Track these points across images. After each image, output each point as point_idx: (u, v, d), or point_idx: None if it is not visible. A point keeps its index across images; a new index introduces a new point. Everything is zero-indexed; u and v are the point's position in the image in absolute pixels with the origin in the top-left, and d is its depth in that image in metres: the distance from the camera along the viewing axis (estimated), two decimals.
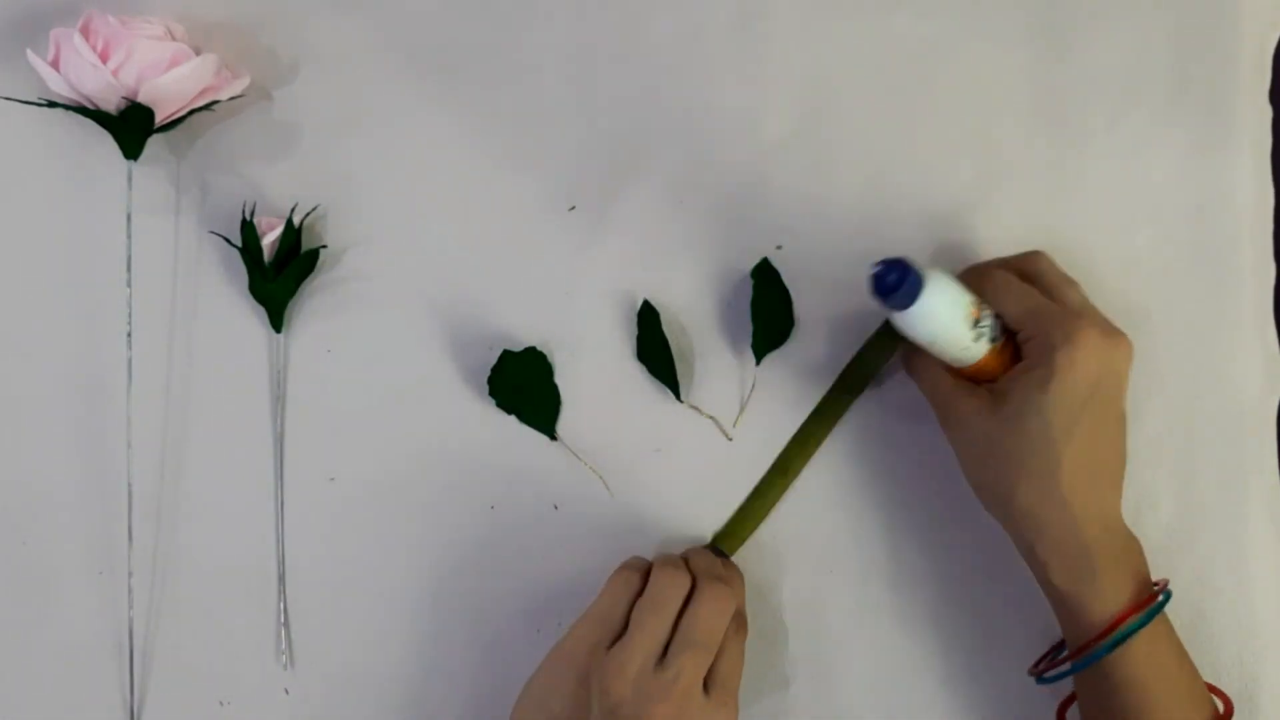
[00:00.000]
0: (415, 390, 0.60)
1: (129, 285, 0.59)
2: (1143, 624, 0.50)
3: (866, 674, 0.59)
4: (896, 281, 0.49)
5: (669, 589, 0.53)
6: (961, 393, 0.54)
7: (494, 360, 0.59)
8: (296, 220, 0.59)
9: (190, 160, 0.61)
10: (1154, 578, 0.53)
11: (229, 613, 0.60)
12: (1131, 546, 0.53)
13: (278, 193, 0.61)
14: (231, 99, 0.59)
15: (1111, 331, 0.52)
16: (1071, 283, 0.54)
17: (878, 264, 0.50)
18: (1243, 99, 0.61)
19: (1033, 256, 0.55)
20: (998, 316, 0.53)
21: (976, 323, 0.52)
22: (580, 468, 0.59)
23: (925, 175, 0.61)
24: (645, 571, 0.55)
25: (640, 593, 0.54)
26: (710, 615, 0.52)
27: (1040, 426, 0.50)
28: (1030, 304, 0.52)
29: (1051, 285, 0.54)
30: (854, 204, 0.61)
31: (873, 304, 0.51)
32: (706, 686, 0.52)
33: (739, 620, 0.55)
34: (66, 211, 0.61)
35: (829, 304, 0.60)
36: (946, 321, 0.51)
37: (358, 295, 0.61)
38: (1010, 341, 0.54)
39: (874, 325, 0.60)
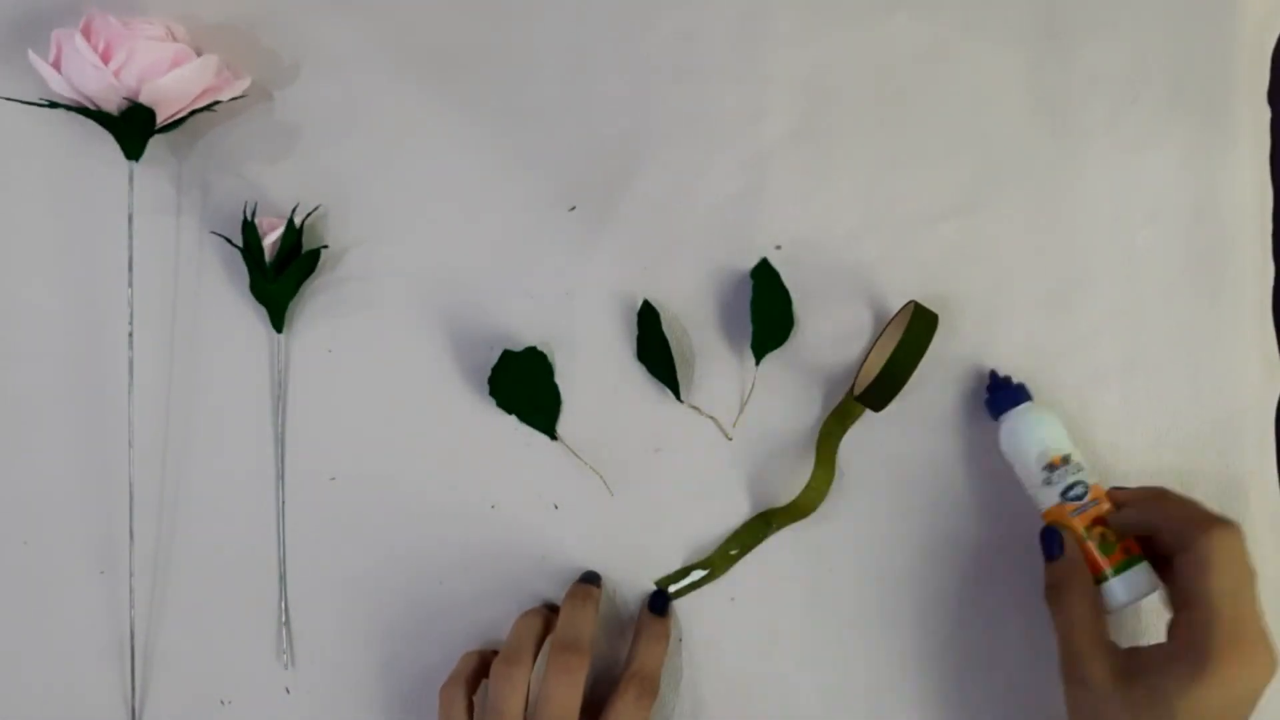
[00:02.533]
0: (415, 390, 0.60)
1: (130, 285, 0.59)
2: None
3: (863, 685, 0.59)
4: (996, 386, 0.58)
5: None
6: (1098, 650, 0.51)
7: (494, 360, 0.59)
8: (297, 220, 0.60)
9: (191, 161, 0.62)
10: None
11: (230, 612, 0.60)
12: None
13: (279, 193, 0.61)
14: (233, 100, 0.60)
15: (1268, 646, 0.48)
16: (1253, 573, 0.50)
17: (994, 372, 0.59)
18: (1242, 99, 0.61)
19: (1215, 528, 0.50)
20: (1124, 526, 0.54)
21: (1052, 468, 0.55)
22: (580, 468, 0.60)
23: (925, 175, 0.61)
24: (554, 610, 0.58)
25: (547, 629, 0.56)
26: (557, 690, 0.52)
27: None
28: (1224, 585, 0.48)
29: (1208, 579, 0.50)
30: (854, 204, 0.61)
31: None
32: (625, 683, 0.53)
33: (642, 685, 0.54)
34: (68, 212, 0.61)
35: (829, 304, 0.60)
36: (1022, 447, 0.56)
37: (358, 295, 0.61)
38: (1124, 547, 0.54)
39: (875, 325, 0.60)
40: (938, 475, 0.59)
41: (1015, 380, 0.58)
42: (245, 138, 0.62)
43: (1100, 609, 0.53)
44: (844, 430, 0.59)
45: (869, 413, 0.59)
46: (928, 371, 0.58)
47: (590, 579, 0.58)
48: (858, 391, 0.57)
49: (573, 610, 0.55)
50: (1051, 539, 0.54)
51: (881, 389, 0.55)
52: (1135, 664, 0.50)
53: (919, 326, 0.55)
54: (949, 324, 0.59)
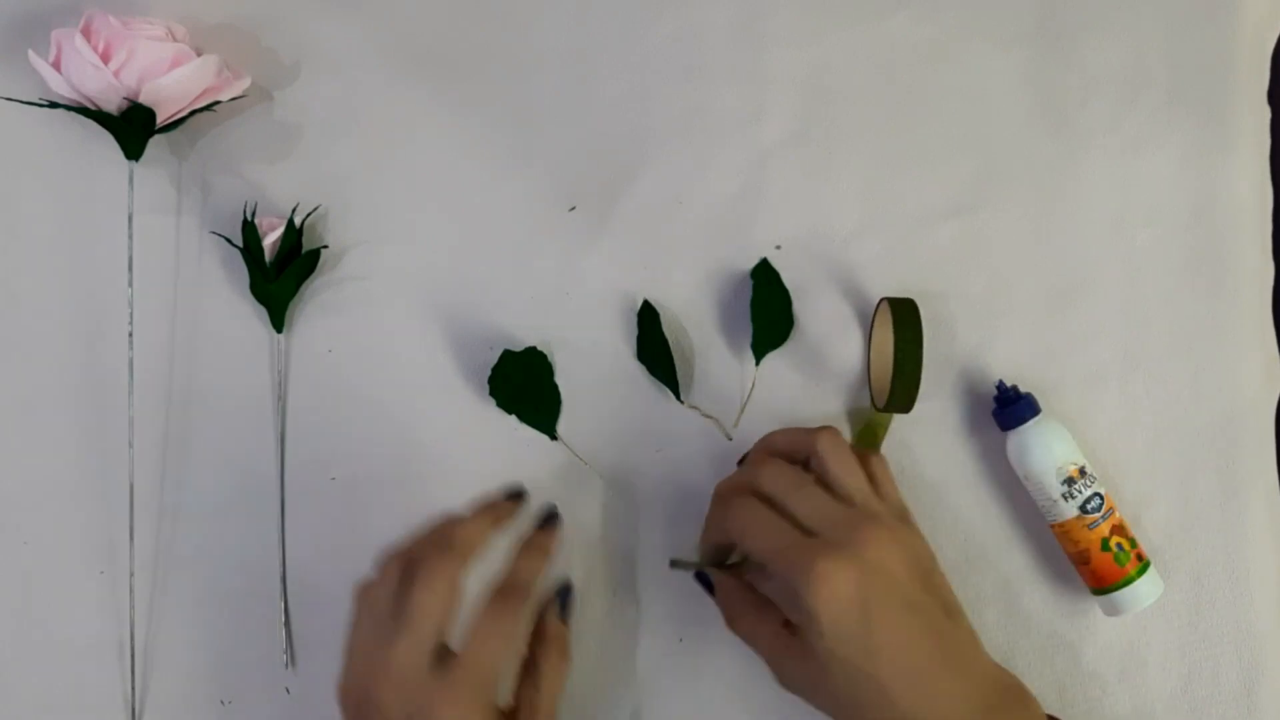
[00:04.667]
0: (415, 390, 0.60)
1: (130, 285, 0.59)
2: None
3: None
4: (1008, 399, 0.57)
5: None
6: (782, 648, 0.50)
7: (494, 360, 0.59)
8: (297, 221, 0.60)
9: (191, 161, 0.62)
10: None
11: (230, 612, 0.60)
12: (1008, 700, 0.48)
13: (279, 193, 0.61)
14: (233, 100, 0.60)
15: (849, 541, 0.47)
16: (851, 471, 0.51)
17: (1002, 383, 0.57)
18: (1241, 99, 0.61)
19: (818, 435, 0.51)
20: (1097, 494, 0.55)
21: (1071, 482, 0.55)
22: (580, 468, 0.60)
23: (925, 175, 0.61)
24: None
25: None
26: (491, 632, 0.49)
27: (843, 668, 0.46)
28: (773, 542, 0.48)
29: (827, 473, 0.50)
30: (854, 204, 0.61)
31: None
32: (518, 710, 0.50)
33: (558, 646, 0.52)
34: (68, 212, 0.61)
35: (829, 304, 0.60)
36: (1037, 462, 0.56)
37: (358, 295, 0.61)
38: (1137, 555, 0.56)
39: (868, 335, 0.60)
40: (938, 477, 0.59)
41: (1021, 388, 0.57)
42: (245, 138, 0.62)
43: (764, 614, 0.51)
44: (879, 444, 0.59)
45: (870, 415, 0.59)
46: (927, 373, 0.58)
47: (551, 520, 0.55)
48: (880, 404, 0.57)
49: (527, 559, 0.52)
50: (703, 583, 0.55)
51: (901, 390, 0.55)
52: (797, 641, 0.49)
53: (905, 317, 0.55)
54: (949, 324, 0.59)
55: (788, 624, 0.50)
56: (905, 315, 0.55)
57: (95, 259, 0.61)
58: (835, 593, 0.46)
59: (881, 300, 0.58)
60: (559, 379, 0.60)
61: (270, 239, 0.58)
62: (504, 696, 0.51)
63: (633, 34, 0.62)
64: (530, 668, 0.52)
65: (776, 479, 0.50)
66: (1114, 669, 0.58)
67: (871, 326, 0.59)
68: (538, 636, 0.53)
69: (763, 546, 0.48)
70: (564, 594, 0.55)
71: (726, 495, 0.53)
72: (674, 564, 0.55)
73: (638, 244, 0.61)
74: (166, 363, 0.61)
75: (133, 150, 0.58)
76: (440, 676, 0.47)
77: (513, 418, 0.59)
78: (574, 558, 0.59)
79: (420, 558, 0.49)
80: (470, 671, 0.47)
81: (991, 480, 0.59)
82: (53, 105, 0.57)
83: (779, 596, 0.51)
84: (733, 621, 0.53)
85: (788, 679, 0.50)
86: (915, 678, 0.46)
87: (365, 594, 0.50)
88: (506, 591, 0.50)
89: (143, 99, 0.56)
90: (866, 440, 0.59)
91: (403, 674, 0.47)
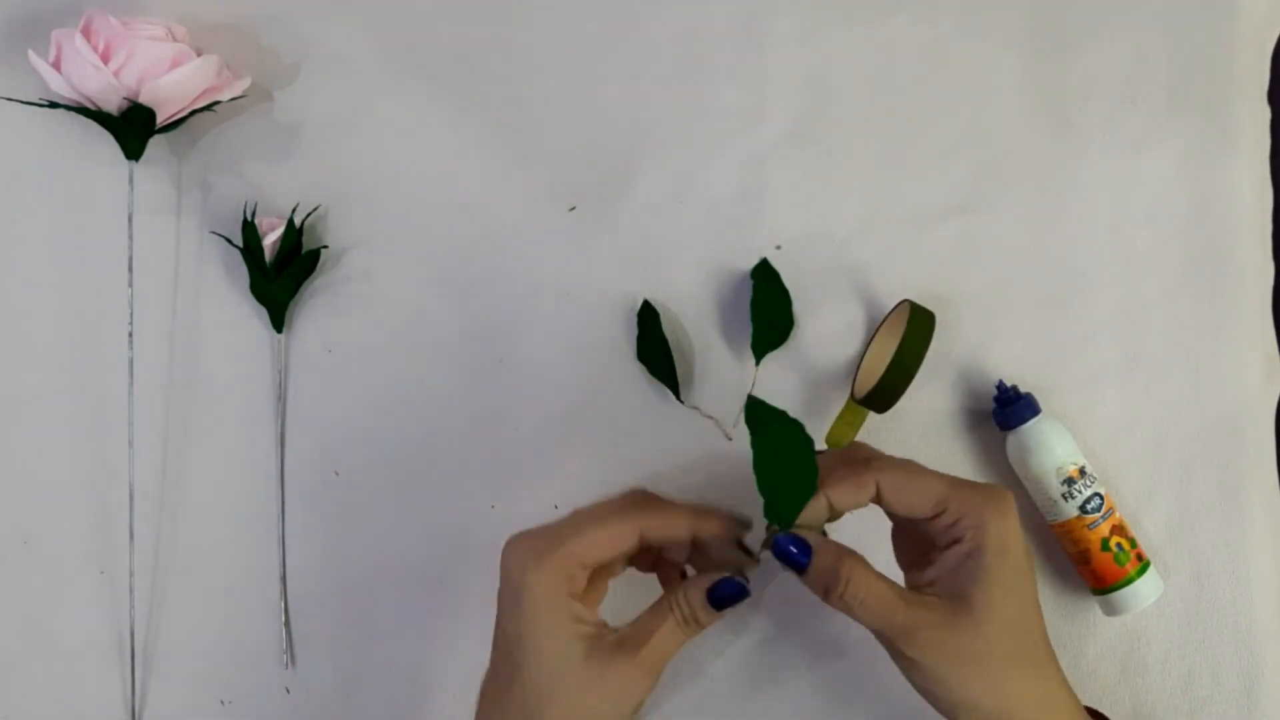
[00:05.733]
0: (415, 390, 0.60)
1: (130, 285, 0.59)
2: None
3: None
4: (1008, 399, 0.57)
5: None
6: (921, 614, 0.47)
7: (494, 360, 0.59)
8: (297, 221, 0.60)
9: (191, 161, 0.62)
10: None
11: (230, 612, 0.60)
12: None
13: (279, 193, 0.61)
14: (233, 100, 0.59)
15: (1000, 488, 0.48)
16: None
17: (1001, 383, 0.57)
18: (1241, 99, 0.61)
19: (855, 444, 0.52)
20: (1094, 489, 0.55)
21: (1071, 481, 0.55)
22: (580, 467, 0.59)
23: (925, 175, 0.61)
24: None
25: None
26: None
27: (1017, 612, 0.47)
28: (938, 486, 0.48)
29: (888, 455, 0.50)
30: (854, 204, 0.61)
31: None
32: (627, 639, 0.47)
33: (688, 612, 0.48)
34: (68, 212, 0.61)
35: (829, 304, 0.60)
36: (1037, 462, 0.56)
37: (358, 295, 0.61)
38: (1137, 555, 0.56)
39: (875, 325, 0.60)
40: None
41: (1021, 389, 0.57)
42: (245, 138, 0.61)
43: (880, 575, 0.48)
44: (854, 435, 0.58)
45: (869, 415, 0.58)
46: (926, 372, 0.58)
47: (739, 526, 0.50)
48: (859, 395, 0.57)
49: (690, 514, 0.49)
50: (792, 548, 0.48)
51: (886, 391, 0.55)
52: (951, 593, 0.47)
53: (919, 325, 0.55)
54: (949, 324, 0.59)
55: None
56: (921, 325, 0.56)
57: (95, 259, 0.61)
58: (1015, 523, 0.47)
59: (904, 301, 0.58)
60: (560, 378, 0.60)
61: (270, 239, 0.58)
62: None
63: (633, 34, 0.62)
64: (662, 604, 0.48)
65: (879, 453, 0.50)
66: (1114, 669, 0.58)
67: (883, 322, 0.59)
68: (685, 586, 0.49)
69: (928, 489, 0.47)
70: (726, 587, 0.48)
71: (848, 463, 0.49)
72: (775, 533, 0.48)
73: (638, 244, 0.61)
74: (166, 363, 0.61)
75: (133, 150, 0.58)
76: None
77: (513, 417, 0.59)
78: None
79: (619, 503, 0.49)
80: (557, 537, 0.47)
81: (991, 480, 0.59)
82: (53, 105, 0.57)
83: (913, 552, 0.51)
84: (846, 588, 0.47)
85: (923, 646, 0.46)
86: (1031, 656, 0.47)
87: None
88: (640, 501, 0.49)
89: (143, 99, 0.56)
90: (846, 426, 0.58)
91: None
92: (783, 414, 0.47)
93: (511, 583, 0.48)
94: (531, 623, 0.47)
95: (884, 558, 0.51)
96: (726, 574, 0.48)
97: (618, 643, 0.47)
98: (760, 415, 0.47)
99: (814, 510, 0.48)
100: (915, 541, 0.51)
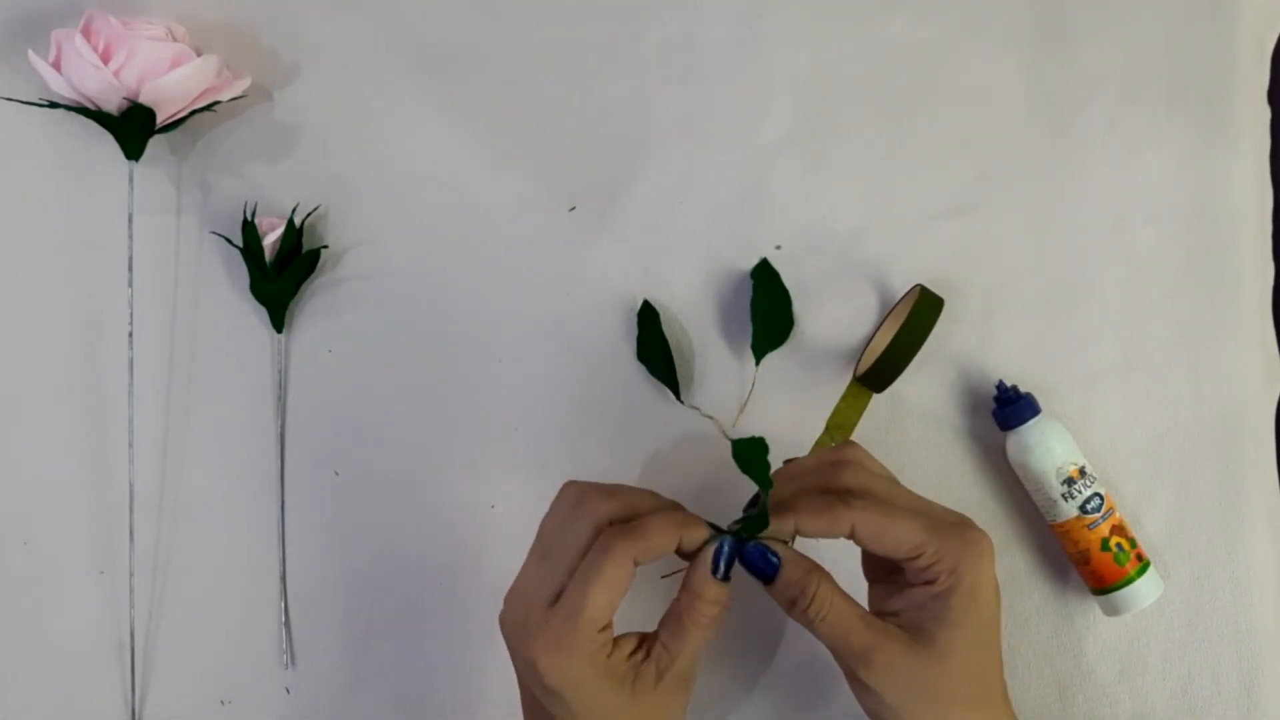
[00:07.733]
0: (415, 390, 0.60)
1: (130, 285, 0.59)
2: None
3: None
4: (1008, 399, 0.57)
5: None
6: (883, 636, 0.47)
7: (494, 359, 0.59)
8: (298, 221, 0.60)
9: (191, 161, 0.62)
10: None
11: (230, 612, 0.60)
12: None
13: (279, 193, 0.61)
14: (232, 100, 0.60)
15: (979, 531, 0.48)
16: (892, 477, 0.50)
17: (1002, 383, 0.57)
18: (1241, 99, 0.61)
19: (843, 447, 0.51)
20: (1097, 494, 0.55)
21: (1071, 482, 0.55)
22: (581, 467, 0.59)
23: (925, 175, 0.61)
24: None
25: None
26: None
27: (979, 656, 0.47)
28: (912, 522, 0.47)
29: (871, 479, 0.49)
30: (854, 204, 0.61)
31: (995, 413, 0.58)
32: (657, 672, 0.47)
33: (703, 602, 0.48)
34: (68, 212, 0.61)
35: (829, 304, 0.60)
36: (1037, 462, 0.55)
37: (358, 295, 0.61)
38: (1136, 555, 0.55)
39: (873, 325, 0.60)
40: (938, 476, 0.59)
41: (1021, 389, 0.57)
42: (245, 138, 0.62)
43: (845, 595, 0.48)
44: (858, 416, 0.58)
45: (868, 414, 0.59)
46: (926, 372, 0.58)
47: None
48: (859, 373, 0.57)
49: (671, 521, 0.48)
50: (760, 560, 0.48)
51: (882, 370, 0.55)
52: (916, 625, 0.47)
53: (924, 309, 0.56)
54: (949, 324, 0.59)
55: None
56: (926, 308, 0.56)
57: (95, 259, 0.61)
58: (990, 568, 0.47)
59: (917, 285, 0.58)
60: (560, 378, 0.60)
61: (270, 239, 0.58)
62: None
63: (633, 34, 0.62)
64: (673, 619, 0.48)
65: (862, 476, 0.49)
66: (1114, 669, 0.58)
67: (895, 305, 0.59)
68: (685, 589, 0.49)
69: (905, 535, 0.46)
70: (723, 549, 0.48)
71: (827, 492, 0.49)
72: (746, 540, 0.48)
73: (638, 244, 0.61)
74: (166, 363, 0.61)
75: (133, 150, 0.58)
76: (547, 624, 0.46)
77: (512, 418, 0.59)
78: None
79: (605, 544, 0.46)
80: (570, 616, 0.45)
81: (991, 480, 0.59)
82: (53, 105, 0.57)
83: (879, 574, 0.51)
84: (810, 604, 0.47)
85: (879, 672, 0.46)
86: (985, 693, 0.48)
87: (545, 526, 0.50)
88: (623, 532, 0.47)
89: (143, 99, 0.56)
90: (851, 406, 0.58)
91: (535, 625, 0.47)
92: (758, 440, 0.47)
93: (547, 687, 0.46)
94: (586, 708, 0.47)
95: (854, 565, 0.52)
96: (713, 543, 0.48)
97: (656, 672, 0.47)
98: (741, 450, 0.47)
99: (779, 528, 0.48)
100: (885, 561, 0.49)
